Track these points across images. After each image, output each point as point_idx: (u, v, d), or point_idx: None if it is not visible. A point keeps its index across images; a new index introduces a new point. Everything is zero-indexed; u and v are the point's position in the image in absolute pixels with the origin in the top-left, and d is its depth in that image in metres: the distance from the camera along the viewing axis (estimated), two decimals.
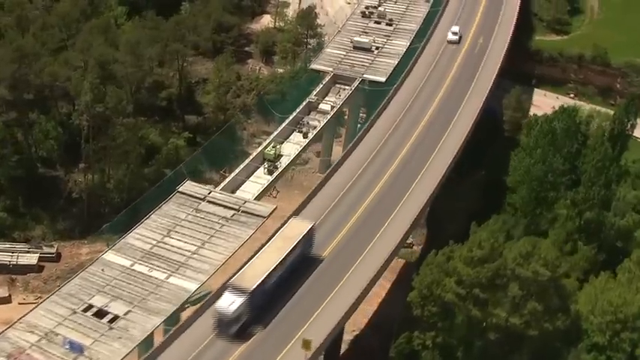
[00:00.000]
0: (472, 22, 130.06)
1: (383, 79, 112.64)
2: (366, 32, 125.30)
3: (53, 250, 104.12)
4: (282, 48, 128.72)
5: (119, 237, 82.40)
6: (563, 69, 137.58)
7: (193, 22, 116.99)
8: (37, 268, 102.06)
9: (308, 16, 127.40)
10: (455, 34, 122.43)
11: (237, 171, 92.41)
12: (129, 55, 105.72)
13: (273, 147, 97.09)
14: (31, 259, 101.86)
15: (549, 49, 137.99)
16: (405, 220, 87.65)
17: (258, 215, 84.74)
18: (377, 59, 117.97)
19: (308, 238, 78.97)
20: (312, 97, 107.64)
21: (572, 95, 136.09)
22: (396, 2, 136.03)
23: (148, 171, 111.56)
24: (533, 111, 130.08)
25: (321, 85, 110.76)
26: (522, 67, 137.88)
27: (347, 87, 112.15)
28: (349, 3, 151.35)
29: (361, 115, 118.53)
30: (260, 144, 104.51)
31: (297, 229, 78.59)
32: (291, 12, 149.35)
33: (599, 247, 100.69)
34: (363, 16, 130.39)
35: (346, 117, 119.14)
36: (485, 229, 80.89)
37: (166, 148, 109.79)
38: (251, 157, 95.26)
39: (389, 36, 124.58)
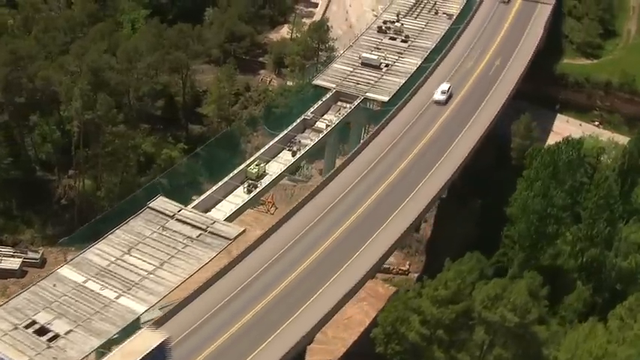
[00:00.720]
0: (492, 42, 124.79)
1: (386, 99, 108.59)
2: (378, 48, 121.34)
3: (38, 256, 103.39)
4: (290, 61, 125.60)
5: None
6: (589, 95, 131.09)
7: (198, 31, 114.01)
8: (20, 273, 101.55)
9: (320, 29, 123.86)
10: (444, 92, 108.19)
11: (214, 188, 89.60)
12: (125, 62, 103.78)
13: (256, 165, 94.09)
14: (14, 263, 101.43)
15: (576, 74, 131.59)
16: (382, 246, 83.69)
17: (224, 237, 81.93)
18: (384, 77, 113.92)
19: (158, 355, 63.51)
20: (308, 114, 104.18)
21: (596, 123, 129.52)
22: (416, 18, 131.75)
23: (144, 180, 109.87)
24: (552, 138, 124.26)
25: (320, 102, 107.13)
26: (546, 91, 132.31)
27: (349, 105, 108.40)
28: (376, 16, 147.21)
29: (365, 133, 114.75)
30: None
31: (144, 343, 63.65)
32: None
33: (599, 289, 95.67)
34: (379, 31, 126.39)
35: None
36: (454, 268, 76.24)
37: (160, 159, 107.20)
38: (231, 174, 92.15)
39: (401, 53, 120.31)
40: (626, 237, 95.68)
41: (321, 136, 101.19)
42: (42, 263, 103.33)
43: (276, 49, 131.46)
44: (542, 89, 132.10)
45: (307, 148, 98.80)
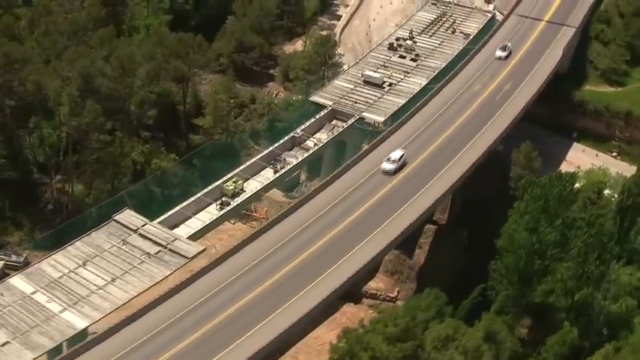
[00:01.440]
0: (506, 64, 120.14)
1: (381, 120, 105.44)
2: (385, 66, 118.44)
3: (21, 260, 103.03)
4: (294, 75, 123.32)
5: None
6: (608, 124, 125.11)
7: (199, 40, 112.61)
8: (1, 276, 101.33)
9: (326, 44, 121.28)
10: (392, 161, 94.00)
11: (184, 204, 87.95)
12: (118, 69, 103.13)
13: (234, 182, 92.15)
14: None
15: (595, 101, 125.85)
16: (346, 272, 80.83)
17: (182, 255, 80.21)
18: (385, 97, 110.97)
19: None
20: (298, 131, 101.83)
21: (614, 154, 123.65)
22: (431, 36, 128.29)
23: (136, 188, 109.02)
24: (564, 167, 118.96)
25: (313, 120, 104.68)
26: (564, 118, 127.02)
27: (344, 124, 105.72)
28: None
29: None
30: None
31: None
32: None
33: (587, 332, 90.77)
34: (389, 49, 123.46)
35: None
36: (407, 304, 72.83)
37: (150, 169, 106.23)
38: (204, 190, 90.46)
39: (408, 72, 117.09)
40: (617, 278, 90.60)
41: (305, 155, 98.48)
42: (25, 266, 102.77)
43: (285, 61, 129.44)
44: (560, 116, 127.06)
45: (289, 166, 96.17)
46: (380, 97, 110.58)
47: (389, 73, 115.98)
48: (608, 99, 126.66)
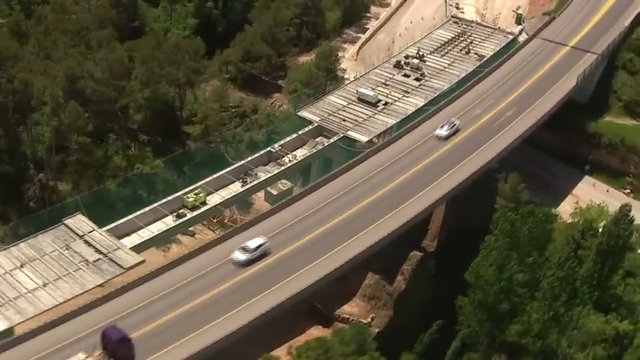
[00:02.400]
0: (514, 90, 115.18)
1: (365, 139, 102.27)
2: (386, 84, 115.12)
3: None
4: (292, 87, 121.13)
5: None
6: (623, 159, 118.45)
7: (195, 47, 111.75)
8: None
9: (328, 58, 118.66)
10: (245, 251, 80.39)
11: (137, 213, 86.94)
12: (106, 72, 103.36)
13: (195, 194, 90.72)
14: None
15: (611, 134, 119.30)
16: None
17: (119, 265, 79.28)
18: (376, 116, 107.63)
19: None
20: (275, 146, 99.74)
21: (627, 191, 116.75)
22: (443, 55, 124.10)
23: (123, 191, 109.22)
24: (568, 200, 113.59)
25: (294, 135, 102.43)
26: (578, 149, 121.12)
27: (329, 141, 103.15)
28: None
29: None
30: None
31: None
32: (351, 49, 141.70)
33: None
34: (395, 66, 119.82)
35: None
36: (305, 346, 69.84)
37: (132, 173, 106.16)
38: (162, 201, 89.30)
39: (408, 92, 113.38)
40: (585, 326, 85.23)
41: (275, 171, 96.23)
42: None
43: (292, 73, 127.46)
44: (573, 146, 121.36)
45: (256, 181, 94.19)
46: (371, 116, 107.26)
47: (388, 91, 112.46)
48: (625, 132, 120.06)
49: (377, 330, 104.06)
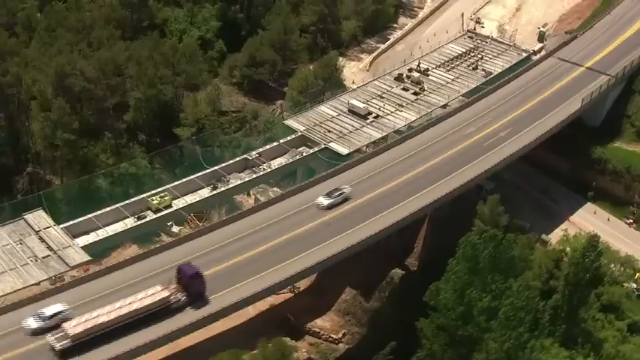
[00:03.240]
0: (514, 110, 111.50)
1: (345, 152, 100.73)
2: (381, 97, 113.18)
3: None
4: (289, 94, 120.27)
5: None
6: (627, 187, 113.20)
7: (191, 50, 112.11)
8: None
9: (327, 67, 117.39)
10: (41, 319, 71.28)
11: (97, 213, 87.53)
12: (97, 70, 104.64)
13: (160, 197, 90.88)
14: None
15: (617, 161, 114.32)
16: None
17: (66, 263, 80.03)
18: (363, 129, 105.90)
19: None
20: (252, 154, 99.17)
21: (629, 221, 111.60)
22: (448, 70, 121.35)
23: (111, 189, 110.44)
24: (563, 227, 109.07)
25: (275, 144, 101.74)
26: (582, 174, 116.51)
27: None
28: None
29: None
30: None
31: None
32: (366, 59, 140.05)
33: None
34: (395, 79, 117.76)
35: None
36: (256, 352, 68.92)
37: (118, 172, 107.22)
38: (126, 202, 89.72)
39: (402, 106, 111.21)
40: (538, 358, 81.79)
41: (246, 178, 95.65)
42: None
43: (292, 80, 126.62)
44: (579, 171, 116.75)
45: (226, 187, 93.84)
46: (358, 129, 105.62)
47: (381, 104, 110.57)
48: (633, 160, 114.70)
49: (346, 347, 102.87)
